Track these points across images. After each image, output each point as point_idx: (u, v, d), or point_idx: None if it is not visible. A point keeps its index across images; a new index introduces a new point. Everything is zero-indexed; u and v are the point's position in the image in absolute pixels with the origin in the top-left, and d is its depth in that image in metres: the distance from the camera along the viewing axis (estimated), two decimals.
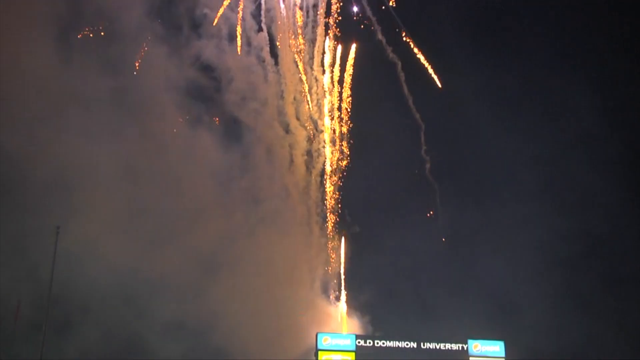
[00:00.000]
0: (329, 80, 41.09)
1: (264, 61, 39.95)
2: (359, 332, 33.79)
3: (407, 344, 30.95)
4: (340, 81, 41.18)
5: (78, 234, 29.94)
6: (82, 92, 34.76)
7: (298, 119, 40.45)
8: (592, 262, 37.45)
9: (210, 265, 35.41)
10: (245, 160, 38.51)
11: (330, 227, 39.55)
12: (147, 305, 32.32)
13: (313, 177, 39.89)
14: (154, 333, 31.98)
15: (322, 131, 40.48)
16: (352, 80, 40.69)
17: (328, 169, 40.23)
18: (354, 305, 36.82)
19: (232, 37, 39.48)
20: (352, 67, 40.57)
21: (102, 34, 37.11)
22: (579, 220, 38.06)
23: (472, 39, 41.74)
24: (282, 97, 40.08)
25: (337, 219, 39.42)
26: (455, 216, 39.41)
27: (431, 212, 40.09)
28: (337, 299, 37.93)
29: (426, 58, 40.86)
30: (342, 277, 38.03)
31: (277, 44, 39.87)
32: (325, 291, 37.69)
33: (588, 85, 40.16)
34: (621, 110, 40.75)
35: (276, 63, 39.84)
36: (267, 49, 39.59)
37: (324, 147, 40.48)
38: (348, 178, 39.64)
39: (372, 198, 39.99)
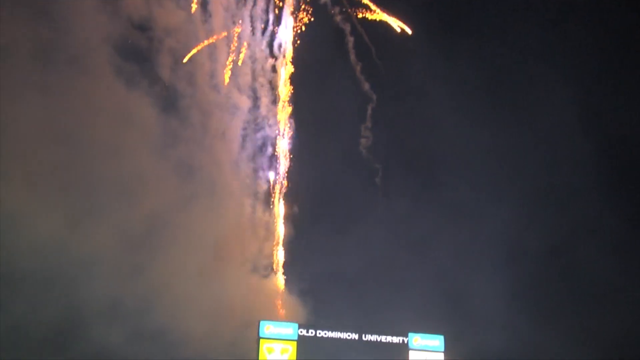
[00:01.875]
0: (266, 43, 40.09)
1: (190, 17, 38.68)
2: (300, 318, 34.23)
3: (348, 335, 31.32)
4: (279, 45, 40.37)
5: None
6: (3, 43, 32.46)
7: (238, 89, 39.51)
8: (550, 263, 38.40)
9: (144, 241, 34.63)
10: (180, 128, 37.49)
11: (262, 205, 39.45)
12: (79, 284, 31.42)
13: (248, 150, 39.25)
14: (87, 313, 31.21)
15: (258, 98, 39.74)
16: (293, 43, 39.62)
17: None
18: (294, 289, 37.01)
19: None
20: (293, 30, 39.34)
21: None
22: (539, 218, 38.99)
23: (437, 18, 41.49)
24: (215, 60, 38.93)
25: (273, 197, 39.22)
26: (400, 201, 39.31)
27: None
28: (275, 280, 38.10)
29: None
30: (281, 259, 38.17)
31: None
32: (259, 270, 37.71)
33: (560, 77, 40.21)
34: (593, 105, 40.98)
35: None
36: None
37: (262, 118, 39.87)
38: (289, 154, 39.25)
39: (313, 177, 39.40)
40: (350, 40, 39.49)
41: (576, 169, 39.84)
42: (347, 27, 39.40)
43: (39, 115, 32.85)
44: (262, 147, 39.36)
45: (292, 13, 40.12)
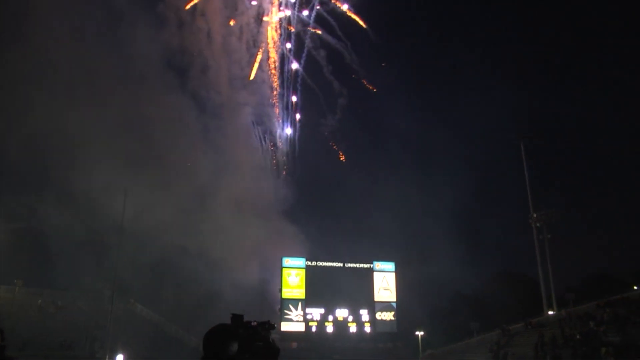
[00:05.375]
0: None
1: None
2: (307, 253, 50.56)
3: (336, 264, 47.75)
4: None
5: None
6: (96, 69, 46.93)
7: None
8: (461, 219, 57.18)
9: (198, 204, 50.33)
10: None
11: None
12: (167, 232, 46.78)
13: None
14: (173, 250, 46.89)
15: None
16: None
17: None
18: (303, 234, 53.64)
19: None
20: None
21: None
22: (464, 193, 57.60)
23: None
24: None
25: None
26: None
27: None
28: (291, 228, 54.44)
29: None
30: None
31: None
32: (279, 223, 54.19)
33: None
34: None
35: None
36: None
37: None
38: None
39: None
40: None
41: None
42: None
43: (116, 118, 47.44)
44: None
45: None
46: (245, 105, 57.35)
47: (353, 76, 59.53)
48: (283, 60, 58.37)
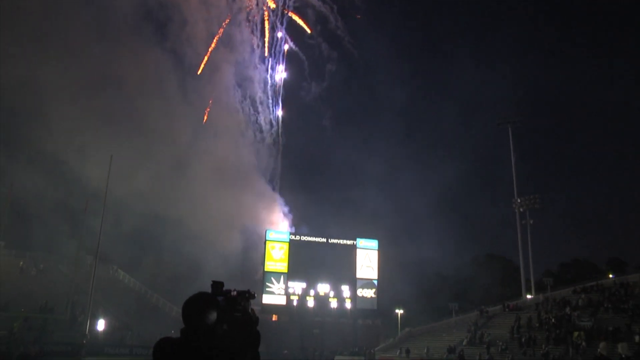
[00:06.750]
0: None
1: None
2: (291, 227, 50.94)
3: (320, 239, 47.81)
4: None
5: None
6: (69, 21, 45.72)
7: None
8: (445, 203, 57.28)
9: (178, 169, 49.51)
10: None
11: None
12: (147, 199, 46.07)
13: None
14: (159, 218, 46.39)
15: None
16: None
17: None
18: (288, 208, 53.72)
19: None
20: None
21: None
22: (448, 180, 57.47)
23: None
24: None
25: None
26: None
27: None
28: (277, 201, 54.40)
29: None
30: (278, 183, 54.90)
31: None
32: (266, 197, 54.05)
33: None
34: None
35: None
36: None
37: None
38: None
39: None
40: None
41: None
42: None
43: (94, 73, 46.19)
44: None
45: None
46: (226, 64, 55.79)
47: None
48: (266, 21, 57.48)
